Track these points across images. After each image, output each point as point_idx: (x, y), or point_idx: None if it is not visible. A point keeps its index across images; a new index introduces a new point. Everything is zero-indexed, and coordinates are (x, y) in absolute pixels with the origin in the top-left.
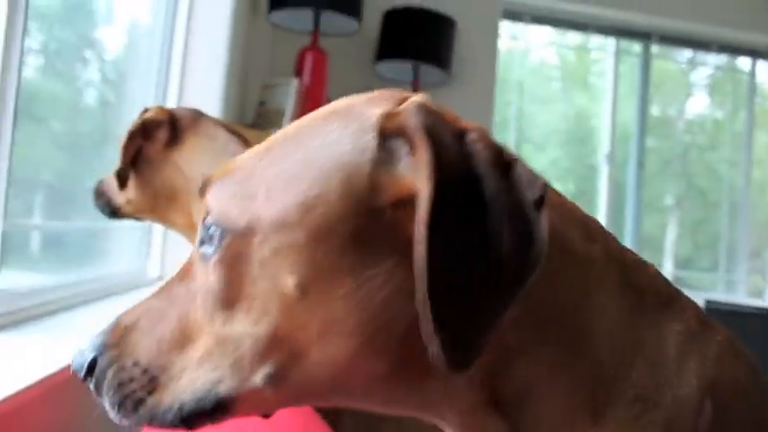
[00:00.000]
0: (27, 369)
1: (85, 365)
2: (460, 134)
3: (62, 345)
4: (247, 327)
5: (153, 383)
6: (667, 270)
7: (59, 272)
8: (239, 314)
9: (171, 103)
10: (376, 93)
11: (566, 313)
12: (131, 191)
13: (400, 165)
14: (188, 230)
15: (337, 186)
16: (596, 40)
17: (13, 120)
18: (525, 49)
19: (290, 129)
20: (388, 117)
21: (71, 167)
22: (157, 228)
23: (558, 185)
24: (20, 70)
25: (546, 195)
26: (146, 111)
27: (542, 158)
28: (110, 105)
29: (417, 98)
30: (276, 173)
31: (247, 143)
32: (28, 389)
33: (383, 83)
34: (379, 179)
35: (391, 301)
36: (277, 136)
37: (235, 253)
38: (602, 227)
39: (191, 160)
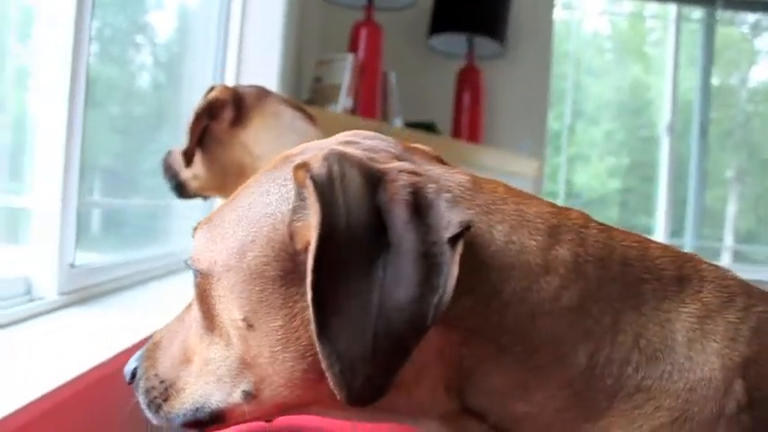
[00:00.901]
0: (101, 344)
1: (130, 372)
2: (373, 179)
3: (134, 319)
4: (222, 351)
5: (167, 393)
6: (727, 244)
7: (123, 251)
8: (216, 339)
9: (229, 82)
10: (318, 142)
11: (527, 325)
12: (198, 168)
13: (311, 212)
14: None
15: (265, 233)
16: (653, 7)
17: (83, 105)
18: (578, 19)
19: (251, 177)
20: (297, 167)
21: (127, 150)
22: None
23: (611, 159)
24: (88, 58)
25: (464, 233)
26: (211, 89)
27: (596, 132)
28: (162, 87)
29: (338, 145)
30: (229, 220)
31: (312, 119)
32: (102, 364)
33: (437, 56)
34: (294, 226)
35: None
36: (243, 185)
37: (203, 290)
38: (578, 223)
39: (257, 138)
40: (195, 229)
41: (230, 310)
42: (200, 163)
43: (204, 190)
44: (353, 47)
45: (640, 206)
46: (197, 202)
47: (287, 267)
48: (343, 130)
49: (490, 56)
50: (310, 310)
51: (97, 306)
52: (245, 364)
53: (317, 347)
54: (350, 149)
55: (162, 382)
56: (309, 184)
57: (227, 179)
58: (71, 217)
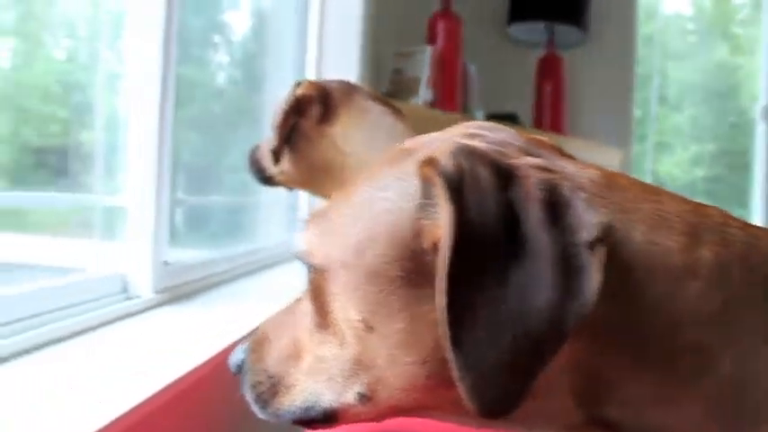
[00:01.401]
0: (202, 343)
1: (236, 364)
2: (505, 175)
3: (229, 317)
4: (335, 350)
5: (275, 388)
6: None
7: (209, 248)
8: (329, 337)
9: (309, 77)
10: (437, 134)
11: (668, 333)
12: (286, 164)
13: (439, 210)
14: None
15: (385, 230)
16: None
17: (173, 105)
18: (658, 1)
19: (366, 171)
20: (423, 163)
21: (207, 147)
22: (303, 200)
23: (695, 147)
24: (176, 60)
25: (603, 235)
26: (297, 85)
27: (679, 118)
28: (239, 85)
29: (462, 138)
30: (345, 215)
31: (400, 114)
32: (205, 363)
33: (516, 45)
34: (421, 224)
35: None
36: (358, 178)
37: (316, 285)
38: (718, 221)
39: (346, 135)
40: (307, 221)
41: (346, 309)
42: (288, 159)
43: (292, 185)
44: (432, 38)
45: (732, 196)
46: (280, 197)
47: (410, 267)
48: (425, 123)
49: (571, 43)
50: (440, 316)
51: (191, 304)
52: (360, 365)
53: (448, 356)
54: (475, 143)
55: (270, 377)
56: (439, 180)
57: (315, 175)
58: (164, 215)
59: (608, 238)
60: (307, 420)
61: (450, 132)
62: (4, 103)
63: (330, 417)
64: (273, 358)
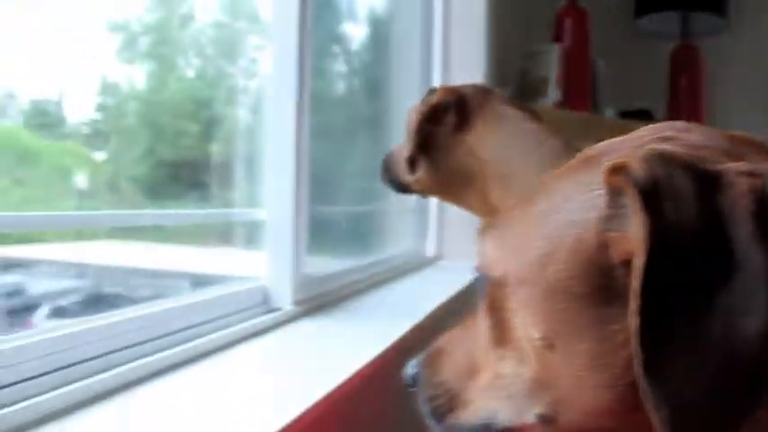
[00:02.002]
0: (347, 357)
1: (411, 377)
2: (708, 183)
3: (370, 328)
4: (515, 368)
5: (451, 403)
6: None
7: (337, 257)
8: (508, 354)
9: (436, 81)
10: (621, 138)
11: None
12: (421, 171)
13: (629, 221)
14: (482, 213)
15: (568, 243)
16: None
17: (309, 117)
18: None
19: (545, 180)
20: (612, 171)
21: (329, 157)
22: (432, 208)
23: None
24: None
25: None
26: (432, 92)
27: None
28: (357, 93)
29: (653, 143)
30: (524, 226)
31: (538, 117)
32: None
33: (646, 38)
34: (607, 236)
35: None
36: (537, 187)
37: (494, 300)
38: None
39: (482, 142)
40: (480, 232)
41: (526, 325)
42: (424, 167)
43: (427, 192)
44: (558, 35)
45: None
46: (408, 204)
47: (597, 283)
48: (556, 124)
49: (708, 31)
50: (633, 339)
51: (330, 316)
52: (541, 385)
53: (641, 383)
54: (670, 147)
55: (446, 391)
56: (631, 190)
57: (451, 183)
58: (303, 226)
59: None
60: None
61: (636, 136)
62: (141, 122)
63: None
64: (450, 372)
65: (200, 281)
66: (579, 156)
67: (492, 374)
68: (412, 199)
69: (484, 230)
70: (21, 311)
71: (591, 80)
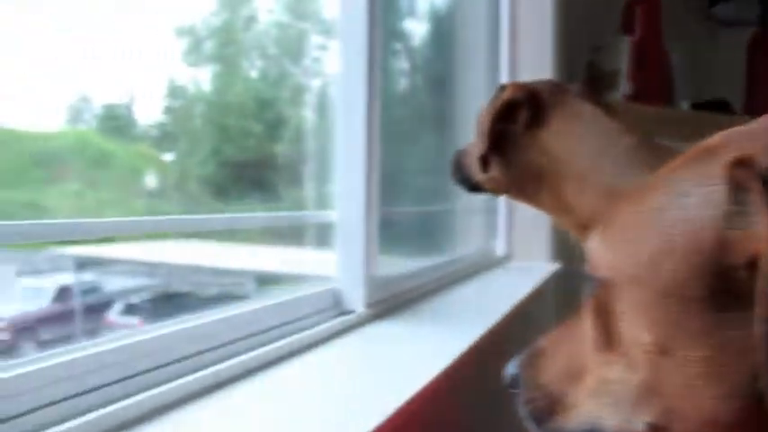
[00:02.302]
0: (425, 361)
1: (512, 378)
2: None
3: (444, 331)
4: (622, 373)
5: (553, 406)
6: None
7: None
8: (614, 358)
9: (503, 77)
10: (741, 129)
11: None
12: (494, 170)
13: (754, 219)
14: (557, 212)
15: (684, 242)
16: None
17: (379, 113)
18: None
19: (658, 174)
20: (735, 164)
21: (393, 155)
22: (502, 208)
23: None
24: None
25: None
26: (503, 89)
27: None
28: (419, 90)
29: None
30: (634, 225)
31: (615, 112)
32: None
33: (721, 26)
34: (728, 235)
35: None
36: (645, 184)
37: (601, 302)
38: None
39: (557, 139)
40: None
41: (636, 329)
42: (496, 166)
43: (500, 192)
44: (628, 26)
45: None
46: (478, 204)
47: (715, 286)
48: (629, 119)
49: None
50: (758, 346)
51: (402, 318)
52: (651, 392)
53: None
54: None
55: (547, 394)
56: (757, 185)
57: (525, 182)
58: (374, 228)
59: None
60: None
61: (757, 126)
62: (207, 123)
63: None
64: (551, 375)
65: (266, 279)
66: (695, 147)
67: (597, 379)
68: (480, 198)
69: (592, 229)
70: (97, 308)
71: (664, 71)
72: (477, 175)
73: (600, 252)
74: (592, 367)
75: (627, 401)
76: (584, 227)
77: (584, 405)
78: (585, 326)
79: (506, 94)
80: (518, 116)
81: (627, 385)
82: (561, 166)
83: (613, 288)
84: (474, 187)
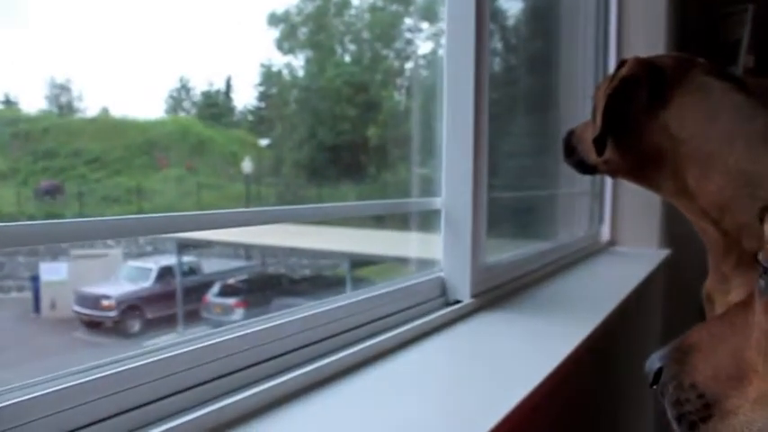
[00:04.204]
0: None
1: (653, 372)
2: None
3: (556, 322)
4: None
5: (707, 410)
6: None
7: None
8: None
9: (611, 52)
10: None
11: None
12: (610, 153)
13: None
14: (677, 197)
15: None
16: None
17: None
18: None
19: None
20: None
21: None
22: (608, 191)
23: None
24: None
25: None
26: (622, 64)
27: None
28: (514, 70)
29: None
30: None
31: (747, 89)
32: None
33: None
34: None
35: None
36: None
37: None
38: None
39: (681, 119)
40: (763, 212)
41: None
42: (612, 148)
43: (617, 174)
44: None
45: None
46: (581, 188)
47: None
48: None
49: None
50: None
51: (509, 308)
52: None
53: None
54: None
55: (700, 395)
56: None
57: (644, 165)
58: (482, 216)
59: None
60: None
61: None
62: (302, 108)
63: None
64: (706, 375)
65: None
66: None
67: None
68: (585, 181)
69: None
70: (197, 288)
71: None
72: (592, 157)
73: None
74: (763, 371)
75: None
76: (705, 213)
77: (750, 414)
78: (756, 322)
79: (624, 71)
80: (638, 94)
81: None
82: (686, 148)
83: None
84: (588, 169)
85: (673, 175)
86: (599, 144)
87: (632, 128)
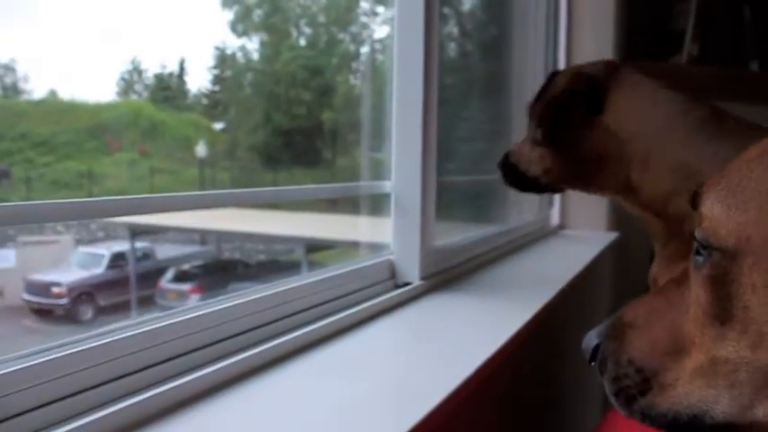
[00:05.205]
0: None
1: (590, 350)
2: None
3: (503, 303)
4: (743, 351)
5: (646, 384)
6: None
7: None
8: (731, 334)
9: (561, 38)
10: None
11: None
12: (549, 160)
13: None
14: (621, 194)
15: None
16: None
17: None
18: None
19: None
20: None
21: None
22: None
23: None
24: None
25: None
26: (554, 75)
27: None
28: (469, 56)
29: None
30: (764, 182)
31: (675, 83)
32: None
33: None
34: None
35: None
36: None
37: (723, 272)
38: None
39: (619, 120)
40: (699, 192)
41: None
42: (551, 157)
43: (559, 184)
44: None
45: None
46: None
47: None
48: (690, 82)
49: None
50: None
51: (458, 290)
52: None
53: None
54: None
55: (638, 370)
56: None
57: (587, 170)
58: (431, 199)
59: None
60: (684, 429)
61: None
62: (257, 91)
63: (719, 429)
64: (643, 350)
65: (313, 245)
66: None
67: (707, 357)
68: None
69: (708, 189)
70: (151, 274)
71: (734, 30)
72: (532, 169)
73: (721, 217)
74: (701, 343)
75: (747, 385)
76: (648, 205)
77: (689, 386)
78: (692, 297)
79: (562, 85)
80: (576, 105)
81: (749, 367)
82: (626, 147)
83: (740, 258)
84: (531, 186)
85: (615, 175)
86: (541, 156)
87: (574, 136)
